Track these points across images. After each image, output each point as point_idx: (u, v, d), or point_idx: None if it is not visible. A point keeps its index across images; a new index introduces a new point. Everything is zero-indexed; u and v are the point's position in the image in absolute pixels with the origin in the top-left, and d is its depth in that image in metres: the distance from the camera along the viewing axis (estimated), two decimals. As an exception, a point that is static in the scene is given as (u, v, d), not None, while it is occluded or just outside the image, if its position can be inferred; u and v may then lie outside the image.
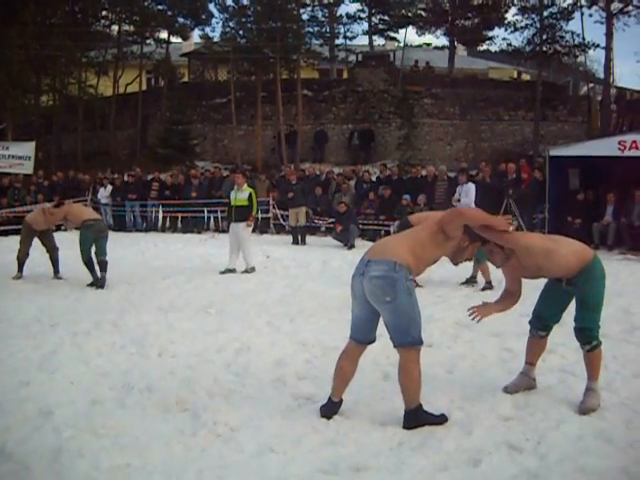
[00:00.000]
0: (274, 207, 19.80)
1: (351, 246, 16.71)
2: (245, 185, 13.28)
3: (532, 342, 5.79)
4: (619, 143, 15.34)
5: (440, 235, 4.98)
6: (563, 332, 7.72)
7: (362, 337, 5.14)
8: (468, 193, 13.97)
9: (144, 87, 35.89)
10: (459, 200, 13.85)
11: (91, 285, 11.04)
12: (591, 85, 33.78)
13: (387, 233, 18.49)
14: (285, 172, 22.12)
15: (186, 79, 37.66)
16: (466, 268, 11.92)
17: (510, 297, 5.57)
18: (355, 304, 5.10)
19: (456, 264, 5.47)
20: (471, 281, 11.26)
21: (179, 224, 20.80)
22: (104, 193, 21.43)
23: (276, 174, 23.73)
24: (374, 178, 20.75)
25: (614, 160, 15.46)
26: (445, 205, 16.31)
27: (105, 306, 9.41)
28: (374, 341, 5.20)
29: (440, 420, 5.03)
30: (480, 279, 11.00)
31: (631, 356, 6.78)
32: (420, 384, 4.98)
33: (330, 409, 5.21)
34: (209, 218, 20.89)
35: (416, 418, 4.96)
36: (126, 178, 22.47)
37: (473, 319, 5.46)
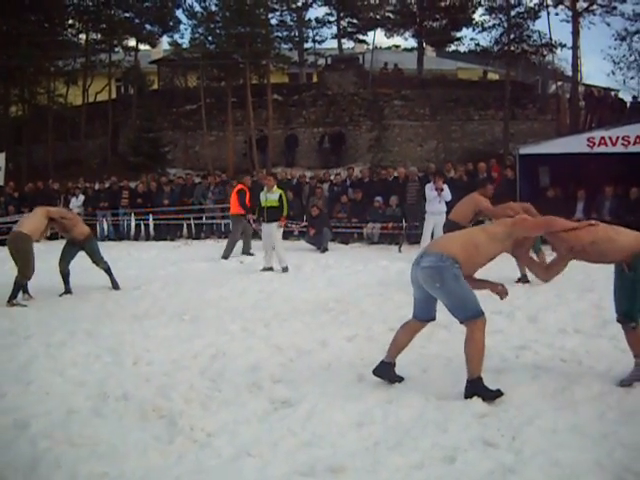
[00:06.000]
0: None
1: (324, 249, 16.71)
2: (275, 187, 13.75)
3: (629, 336, 5.87)
4: (588, 140, 15.52)
5: (506, 235, 5.62)
6: (536, 329, 7.83)
7: (421, 315, 5.87)
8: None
9: (114, 95, 35.75)
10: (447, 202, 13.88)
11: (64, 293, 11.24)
12: (559, 83, 34.06)
13: (360, 235, 18.53)
14: (258, 177, 22.11)
15: (156, 86, 37.49)
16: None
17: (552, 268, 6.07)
18: (413, 288, 5.84)
19: (516, 257, 6.18)
20: (523, 280, 11.08)
21: (152, 232, 20.67)
22: (76, 203, 21.18)
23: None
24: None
25: (584, 157, 15.58)
26: (417, 205, 16.41)
27: (79, 316, 9.35)
28: (434, 319, 5.90)
29: (495, 395, 5.39)
30: (531, 277, 10.70)
31: (604, 350, 6.85)
32: (483, 355, 5.46)
33: (381, 369, 5.84)
34: (182, 225, 20.81)
35: (474, 388, 5.39)
36: (97, 187, 22.34)
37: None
